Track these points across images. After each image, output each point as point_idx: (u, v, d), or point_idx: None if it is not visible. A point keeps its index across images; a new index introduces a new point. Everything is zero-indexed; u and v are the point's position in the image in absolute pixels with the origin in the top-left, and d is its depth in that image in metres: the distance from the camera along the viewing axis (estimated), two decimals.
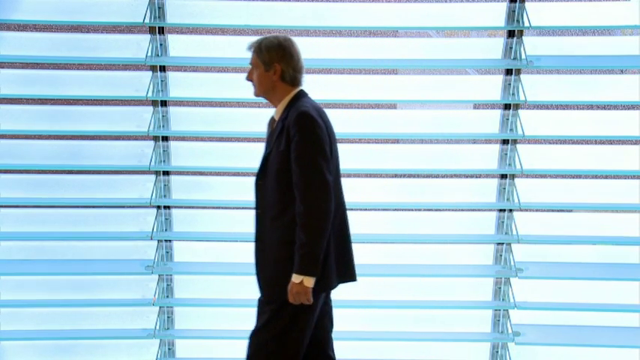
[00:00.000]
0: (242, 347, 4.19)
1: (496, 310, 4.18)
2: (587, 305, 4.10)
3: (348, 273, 3.21)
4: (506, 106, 4.04)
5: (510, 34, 3.95)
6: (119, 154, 4.12)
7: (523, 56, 3.92)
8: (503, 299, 4.15)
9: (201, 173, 4.31)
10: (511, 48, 3.95)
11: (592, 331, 4.16)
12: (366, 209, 4.25)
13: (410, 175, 4.66)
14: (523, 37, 3.94)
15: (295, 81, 3.13)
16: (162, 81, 4.03)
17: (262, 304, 3.16)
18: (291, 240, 2.98)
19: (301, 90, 3.15)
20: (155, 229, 4.07)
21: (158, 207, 4.13)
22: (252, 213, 3.17)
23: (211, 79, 4.24)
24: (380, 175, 4.75)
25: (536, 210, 4.18)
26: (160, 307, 4.18)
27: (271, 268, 3.07)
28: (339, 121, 4.08)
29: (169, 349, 4.24)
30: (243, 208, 4.18)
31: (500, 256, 4.16)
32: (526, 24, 3.84)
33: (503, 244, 4.14)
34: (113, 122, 4.08)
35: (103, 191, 4.14)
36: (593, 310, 4.14)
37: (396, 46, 4.29)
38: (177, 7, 3.98)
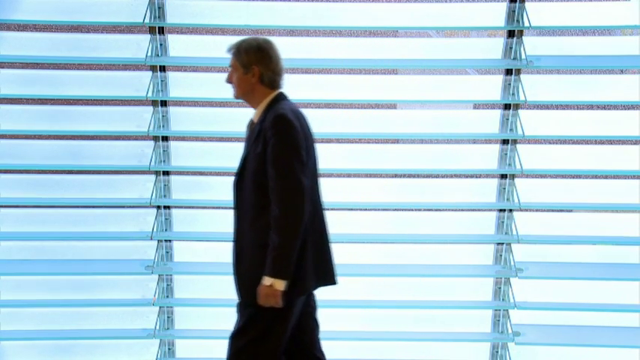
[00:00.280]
0: None
1: (496, 310, 4.18)
2: (587, 305, 4.10)
3: (326, 276, 3.19)
4: (506, 106, 4.04)
5: (510, 34, 3.95)
6: (119, 154, 4.12)
7: (523, 56, 3.92)
8: (503, 299, 4.15)
9: (201, 173, 4.31)
10: (511, 48, 3.95)
11: (592, 331, 4.17)
12: (366, 209, 4.26)
13: (410, 175, 4.66)
14: (523, 37, 3.94)
15: (274, 83, 3.14)
16: (162, 81, 4.04)
17: (240, 307, 3.15)
18: (268, 243, 2.97)
19: (280, 92, 3.16)
20: (155, 229, 4.07)
21: (158, 207, 4.13)
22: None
23: (211, 79, 4.23)
24: (380, 175, 4.75)
25: (536, 210, 4.18)
26: (160, 307, 4.18)
27: (248, 271, 3.05)
28: (339, 121, 4.12)
29: (169, 349, 4.24)
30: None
31: (500, 256, 4.16)
32: (526, 24, 3.84)
33: (503, 244, 4.14)
34: (113, 122, 4.08)
35: (103, 191, 4.14)
36: (593, 310, 4.14)
37: (396, 46, 4.29)
38: (177, 7, 3.98)
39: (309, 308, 3.26)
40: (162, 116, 4.06)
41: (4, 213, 4.24)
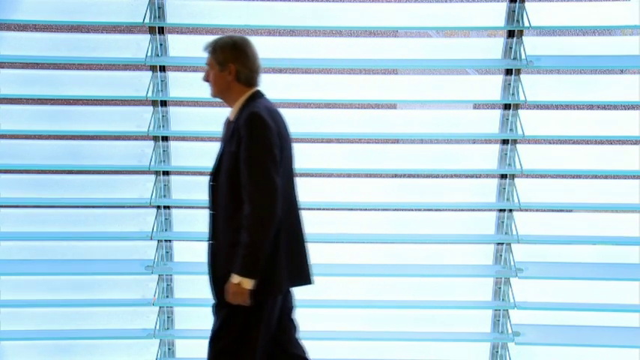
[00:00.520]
0: None
1: (496, 310, 4.18)
2: (587, 305, 4.10)
3: (301, 276, 3.19)
4: (506, 106, 4.04)
5: (510, 34, 3.95)
6: (119, 154, 4.12)
7: (523, 56, 3.92)
8: (503, 299, 4.15)
9: (201, 173, 4.29)
10: (511, 48, 3.95)
11: (592, 331, 4.16)
12: (366, 209, 4.26)
13: (410, 175, 4.66)
14: (523, 37, 3.94)
15: (251, 81, 3.12)
16: (162, 81, 4.04)
17: (216, 308, 3.15)
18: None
19: (257, 91, 3.15)
20: (155, 229, 4.07)
21: (158, 207, 4.13)
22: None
23: None
24: (380, 175, 4.75)
25: (536, 210, 4.18)
26: (160, 307, 4.18)
27: (223, 270, 3.05)
28: (339, 121, 4.12)
29: (169, 349, 4.24)
30: None
31: (500, 256, 4.16)
32: (526, 24, 3.84)
33: (503, 244, 4.14)
34: (113, 122, 4.08)
35: (103, 191, 4.14)
36: (593, 310, 4.14)
37: (396, 46, 4.28)
38: (177, 7, 3.98)
39: (287, 308, 3.26)
40: (162, 116, 4.06)
41: (4, 213, 4.24)
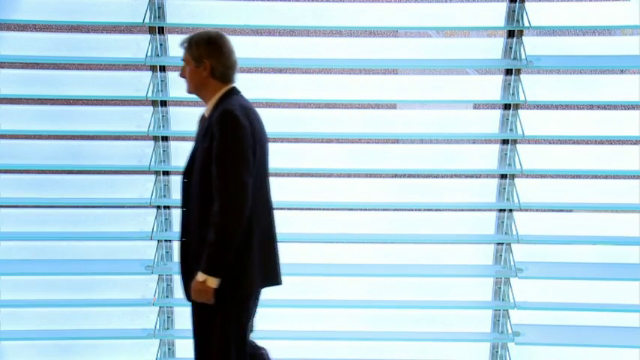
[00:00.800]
0: None
1: (496, 310, 4.18)
2: (587, 305, 4.10)
3: (272, 277, 3.19)
4: (506, 106, 4.04)
5: (510, 34, 3.95)
6: (119, 154, 4.12)
7: (523, 56, 3.91)
8: (503, 299, 4.15)
9: None
10: (511, 48, 3.95)
11: (592, 331, 4.16)
12: (366, 209, 4.26)
13: (410, 175, 4.66)
14: (523, 37, 3.94)
15: (226, 77, 3.10)
16: (162, 81, 4.03)
17: (192, 306, 3.14)
18: None
19: (233, 87, 3.13)
20: (155, 229, 4.07)
21: (158, 207, 4.13)
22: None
23: None
24: (380, 175, 4.75)
25: (536, 210, 4.18)
26: (160, 307, 4.18)
27: (194, 268, 3.03)
28: (339, 121, 4.12)
29: (169, 349, 4.24)
30: None
31: (500, 256, 4.16)
32: (526, 24, 3.84)
33: (503, 244, 4.14)
34: (113, 122, 4.08)
35: (103, 191, 4.14)
36: (593, 310, 4.14)
37: (396, 46, 4.28)
38: (177, 7, 3.98)
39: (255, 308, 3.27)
40: (162, 116, 4.06)
41: (4, 213, 4.24)
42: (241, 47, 4.00)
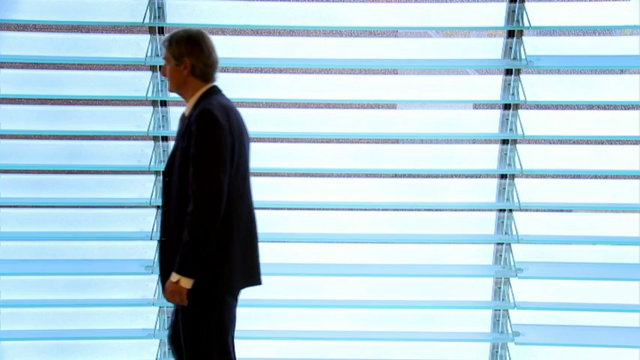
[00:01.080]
0: (241, 347, 4.20)
1: (496, 310, 4.18)
2: (587, 305, 4.10)
3: (252, 277, 3.17)
4: (506, 106, 4.04)
5: (510, 34, 3.95)
6: (119, 154, 4.12)
7: (523, 56, 3.92)
8: (503, 299, 4.15)
9: None
10: (511, 48, 3.95)
11: (592, 331, 4.17)
12: (366, 209, 4.26)
13: (410, 175, 4.66)
14: (523, 37, 3.94)
15: (206, 76, 3.09)
16: (162, 81, 4.03)
17: (177, 308, 3.13)
18: None
19: (214, 86, 3.11)
20: (155, 229, 4.06)
21: (158, 207, 4.13)
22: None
23: None
24: (380, 175, 4.76)
25: (536, 210, 4.18)
26: (160, 307, 4.17)
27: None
28: (339, 121, 4.12)
29: (169, 349, 4.23)
30: None
31: (500, 256, 4.16)
32: (526, 24, 3.84)
33: (503, 244, 4.14)
34: (113, 122, 4.08)
35: (103, 191, 4.14)
36: (593, 310, 4.14)
37: (396, 46, 4.28)
38: (177, 7, 3.98)
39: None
40: (162, 116, 4.06)
41: (4, 213, 4.24)
42: (241, 47, 4.05)
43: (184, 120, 3.10)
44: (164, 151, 4.08)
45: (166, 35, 3.13)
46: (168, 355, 4.23)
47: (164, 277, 3.07)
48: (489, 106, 4.48)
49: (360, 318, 4.19)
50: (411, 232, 4.18)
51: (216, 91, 3.11)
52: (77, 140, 4.21)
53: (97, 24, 4.27)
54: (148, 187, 4.08)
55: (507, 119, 4.03)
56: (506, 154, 4.07)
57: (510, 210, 4.10)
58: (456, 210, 4.22)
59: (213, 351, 3.06)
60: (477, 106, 7.18)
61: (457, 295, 4.19)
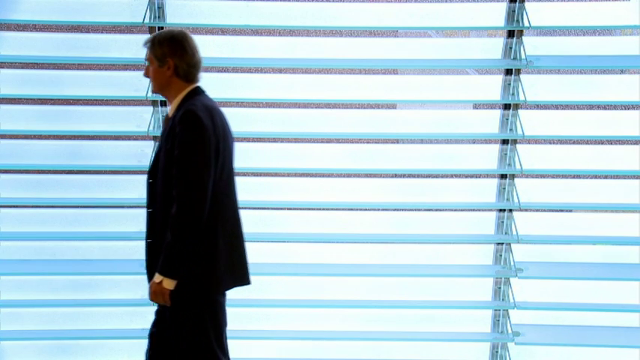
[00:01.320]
0: (241, 347, 4.20)
1: (496, 310, 4.18)
2: (587, 305, 4.10)
3: (241, 277, 3.16)
4: (506, 106, 4.04)
5: (510, 34, 3.96)
6: (119, 154, 4.12)
7: (523, 56, 3.92)
8: (503, 299, 4.15)
9: None
10: (511, 48, 3.95)
11: (592, 331, 4.17)
12: (366, 209, 4.26)
13: (410, 175, 4.66)
14: (523, 37, 3.94)
15: (190, 76, 3.09)
16: None
17: (159, 307, 3.13)
18: None
19: (197, 87, 3.11)
20: None
21: None
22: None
23: (211, 79, 4.22)
24: (380, 175, 4.76)
25: (536, 210, 4.18)
26: None
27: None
28: (340, 121, 4.12)
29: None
30: (242, 208, 4.17)
31: (500, 256, 4.16)
32: (526, 24, 3.84)
33: (503, 244, 4.14)
34: (113, 122, 4.08)
35: (103, 191, 4.14)
36: (593, 310, 4.14)
37: (396, 46, 4.28)
38: (177, 7, 3.98)
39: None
40: (162, 116, 4.06)
41: (4, 213, 4.24)
42: (241, 47, 4.04)
43: (168, 121, 3.10)
44: None
45: (148, 37, 3.12)
46: None
47: (151, 279, 3.07)
48: (489, 106, 4.48)
49: (360, 318, 4.19)
50: (411, 232, 4.18)
51: (199, 91, 3.11)
52: (77, 140, 4.21)
53: (97, 24, 4.27)
54: None
55: (507, 119, 4.03)
56: (506, 154, 4.07)
57: (510, 210, 4.10)
58: (456, 210, 4.22)
59: (200, 352, 3.06)
60: (477, 106, 7.18)
61: (457, 295, 4.19)
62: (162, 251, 2.94)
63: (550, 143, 4.70)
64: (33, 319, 4.20)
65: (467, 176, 4.44)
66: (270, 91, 4.09)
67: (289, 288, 4.17)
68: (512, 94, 3.98)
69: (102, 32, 6.08)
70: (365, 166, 4.19)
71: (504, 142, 4.08)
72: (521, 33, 3.94)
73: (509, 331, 4.12)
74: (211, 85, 4.10)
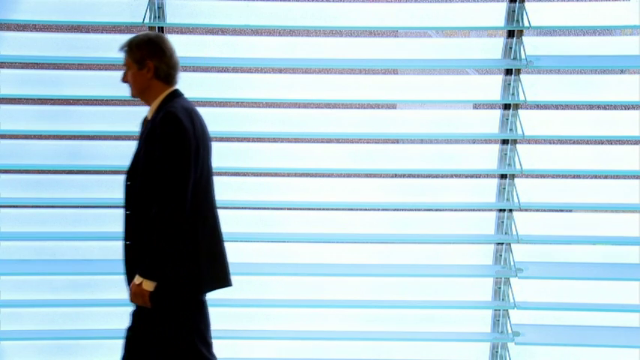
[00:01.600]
0: (241, 347, 4.20)
1: (496, 310, 4.18)
2: (587, 305, 4.10)
3: (221, 278, 3.17)
4: (506, 106, 4.04)
5: (510, 34, 3.95)
6: (119, 154, 4.11)
7: (523, 56, 3.92)
8: (503, 299, 4.15)
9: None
10: (511, 48, 3.95)
11: (592, 331, 4.16)
12: (366, 209, 4.25)
13: (410, 175, 4.66)
14: (523, 37, 3.94)
15: (169, 78, 3.10)
16: None
17: (138, 308, 3.13)
18: None
19: (176, 90, 3.13)
20: None
21: None
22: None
23: (211, 79, 4.23)
24: (380, 175, 4.75)
25: (536, 210, 4.18)
26: None
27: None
28: (340, 121, 4.12)
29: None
30: (242, 208, 4.18)
31: (500, 256, 4.16)
32: (526, 24, 3.84)
33: (503, 244, 4.14)
34: (113, 122, 4.08)
35: (103, 191, 4.13)
36: (593, 310, 4.14)
37: (396, 46, 4.28)
38: (177, 7, 3.98)
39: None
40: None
41: (4, 213, 4.24)
42: (241, 47, 4.04)
43: (146, 123, 3.13)
44: None
45: (124, 41, 3.12)
46: None
47: (130, 281, 3.08)
48: (489, 106, 4.47)
49: (360, 318, 4.19)
50: (411, 232, 4.18)
51: (178, 94, 3.13)
52: (77, 140, 4.21)
53: (97, 24, 4.27)
54: None
55: (507, 119, 4.03)
56: (506, 154, 4.07)
57: (510, 210, 4.10)
58: (456, 210, 4.22)
59: (184, 353, 3.07)
60: (477, 106, 7.18)
61: (457, 295, 4.19)
62: (144, 253, 2.94)
63: (550, 143, 4.70)
64: (33, 319, 4.20)
65: (467, 176, 4.44)
66: (270, 91, 4.09)
67: (289, 288, 4.17)
68: (512, 94, 3.98)
69: (102, 32, 6.08)
70: (365, 166, 4.19)
71: (504, 142, 4.08)
72: (521, 33, 3.94)
73: (509, 331, 4.12)
74: (211, 85, 4.14)
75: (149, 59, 3.06)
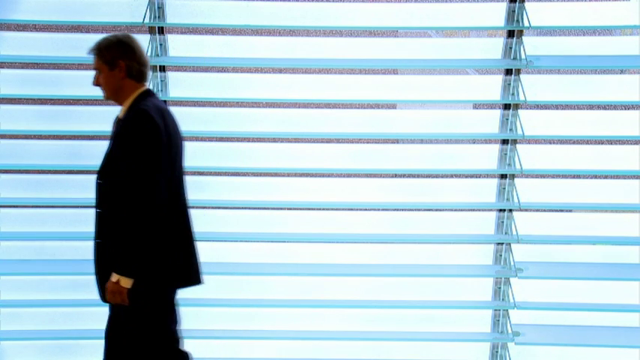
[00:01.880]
0: (241, 347, 4.20)
1: (496, 310, 4.18)
2: (587, 305, 4.10)
3: (193, 276, 3.20)
4: (506, 106, 4.04)
5: (510, 34, 3.95)
6: None
7: (523, 56, 3.91)
8: (503, 299, 4.15)
9: (200, 173, 4.31)
10: (511, 48, 3.95)
11: (592, 331, 4.17)
12: (366, 209, 4.26)
13: (410, 175, 4.66)
14: (523, 37, 3.94)
15: (141, 75, 3.13)
16: (162, 81, 4.04)
17: (110, 306, 3.16)
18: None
19: (148, 89, 3.16)
20: None
21: None
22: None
23: (211, 79, 4.23)
24: (380, 175, 4.75)
25: (536, 210, 4.18)
26: None
27: (110, 270, 3.03)
28: (340, 121, 4.12)
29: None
30: (242, 208, 4.18)
31: (500, 256, 4.16)
32: (526, 24, 3.84)
33: (502, 244, 4.14)
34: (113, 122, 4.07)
35: None
36: (593, 310, 4.14)
37: (396, 46, 4.28)
38: (177, 7, 3.98)
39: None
40: None
41: (4, 213, 4.24)
42: (241, 47, 4.04)
43: (119, 122, 3.14)
44: None
45: (92, 44, 3.14)
46: None
47: (101, 279, 3.09)
48: (489, 106, 4.47)
49: (360, 318, 4.19)
50: (411, 232, 4.18)
51: (151, 93, 3.16)
52: (77, 140, 4.21)
53: (97, 24, 4.26)
54: None
55: (507, 119, 4.03)
56: (506, 154, 4.07)
57: (510, 210, 4.10)
58: (456, 210, 4.22)
59: (160, 349, 3.10)
60: (477, 106, 7.19)
61: (457, 295, 4.19)
62: (119, 250, 2.95)
63: (550, 143, 4.69)
64: (33, 319, 4.20)
65: (467, 176, 4.44)
66: (270, 91, 4.09)
67: (289, 288, 4.17)
68: (512, 94, 3.98)
69: (102, 32, 6.07)
70: (365, 166, 4.19)
71: (504, 142, 4.08)
72: (521, 33, 3.94)
73: (509, 331, 4.12)
74: (211, 85, 4.14)
75: (120, 59, 3.08)
